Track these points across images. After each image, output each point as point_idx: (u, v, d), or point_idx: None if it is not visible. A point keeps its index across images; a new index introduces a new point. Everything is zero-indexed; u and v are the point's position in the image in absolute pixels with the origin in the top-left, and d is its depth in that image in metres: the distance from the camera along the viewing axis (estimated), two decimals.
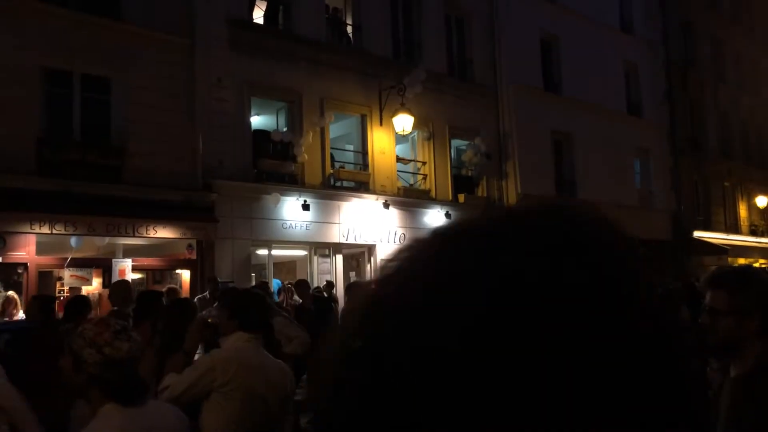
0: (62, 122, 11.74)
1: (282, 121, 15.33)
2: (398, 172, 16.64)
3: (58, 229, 11.03)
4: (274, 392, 3.54)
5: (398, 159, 16.86)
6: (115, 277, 11.58)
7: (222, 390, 3.33)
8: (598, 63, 21.52)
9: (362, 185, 15.71)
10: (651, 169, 23.93)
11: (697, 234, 24.56)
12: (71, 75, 11.88)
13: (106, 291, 8.60)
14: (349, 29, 16.38)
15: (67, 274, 11.70)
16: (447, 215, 16.81)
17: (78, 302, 6.04)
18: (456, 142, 18.29)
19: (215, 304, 6.10)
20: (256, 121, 15.05)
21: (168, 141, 12.53)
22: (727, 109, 28.20)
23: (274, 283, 13.34)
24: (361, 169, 16.02)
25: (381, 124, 16.00)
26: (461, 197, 17.40)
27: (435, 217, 16.77)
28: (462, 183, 17.87)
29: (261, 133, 14.36)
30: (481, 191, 18.30)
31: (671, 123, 24.85)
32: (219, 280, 11.19)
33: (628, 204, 20.97)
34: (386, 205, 15.62)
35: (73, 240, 11.35)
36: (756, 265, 22.32)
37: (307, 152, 14.45)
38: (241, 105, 13.83)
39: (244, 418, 3.36)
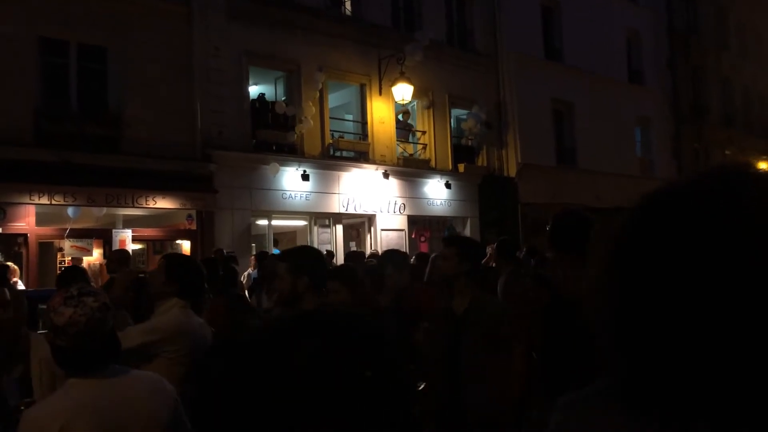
0: (59, 93, 11.65)
1: (281, 90, 15.23)
2: (398, 141, 16.56)
3: (58, 200, 11.03)
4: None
5: (403, 126, 16.78)
6: (116, 248, 11.61)
7: (168, 356, 3.41)
8: (600, 30, 21.26)
9: (362, 155, 15.66)
10: (652, 138, 23.80)
11: None
12: (68, 45, 11.76)
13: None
14: None
15: (68, 245, 11.70)
16: (447, 185, 16.81)
17: (70, 272, 5.65)
18: (456, 112, 18.18)
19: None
20: (255, 90, 14.95)
21: (166, 111, 12.45)
22: (730, 77, 27.98)
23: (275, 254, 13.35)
24: (360, 138, 15.96)
25: (380, 94, 15.90)
26: (461, 167, 17.35)
27: (435, 187, 16.76)
28: (462, 152, 17.80)
29: (260, 103, 14.28)
30: (481, 161, 18.24)
31: (673, 91, 24.67)
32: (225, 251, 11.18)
33: (629, 173, 20.92)
34: (386, 175, 15.59)
35: (70, 210, 11.33)
36: None
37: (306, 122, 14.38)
38: (240, 74, 13.73)
39: (184, 380, 3.45)
